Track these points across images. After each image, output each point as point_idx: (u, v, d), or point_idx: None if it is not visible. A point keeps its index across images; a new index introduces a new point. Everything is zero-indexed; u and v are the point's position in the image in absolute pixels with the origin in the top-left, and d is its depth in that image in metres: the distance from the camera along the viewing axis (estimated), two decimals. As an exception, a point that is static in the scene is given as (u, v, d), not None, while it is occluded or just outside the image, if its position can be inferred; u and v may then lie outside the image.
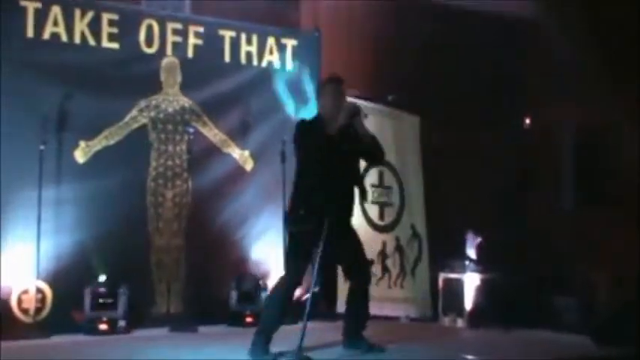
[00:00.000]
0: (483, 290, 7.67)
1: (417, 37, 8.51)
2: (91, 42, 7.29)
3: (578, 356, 6.15)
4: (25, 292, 6.76)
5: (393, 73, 8.61)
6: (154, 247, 7.51)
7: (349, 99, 5.73)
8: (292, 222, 5.70)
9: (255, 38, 8.05)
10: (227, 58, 7.92)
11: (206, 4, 7.96)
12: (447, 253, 7.97)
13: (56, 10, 7.13)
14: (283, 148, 7.49)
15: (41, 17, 7.06)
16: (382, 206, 8.41)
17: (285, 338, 5.59)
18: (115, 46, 7.39)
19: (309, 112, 7.29)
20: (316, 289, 7.92)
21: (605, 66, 7.25)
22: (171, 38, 7.67)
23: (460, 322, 7.67)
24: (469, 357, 5.89)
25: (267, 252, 7.89)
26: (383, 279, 8.23)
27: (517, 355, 6.19)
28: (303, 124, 5.78)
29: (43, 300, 6.80)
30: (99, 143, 7.27)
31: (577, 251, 7.31)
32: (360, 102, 8.30)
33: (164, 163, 7.59)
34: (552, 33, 7.67)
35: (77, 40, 7.23)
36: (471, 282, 7.67)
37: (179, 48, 7.69)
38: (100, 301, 6.92)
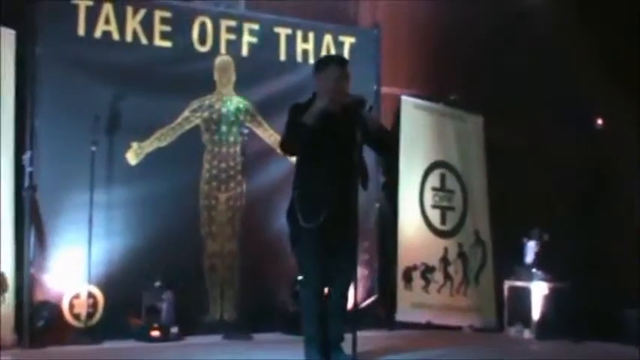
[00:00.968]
0: (551, 300, 7.37)
1: (481, 34, 8.22)
2: (143, 40, 7.15)
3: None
4: (77, 296, 6.65)
5: (456, 71, 8.36)
6: (207, 251, 7.33)
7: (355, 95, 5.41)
8: (303, 208, 5.37)
9: (311, 36, 7.84)
10: (282, 56, 7.72)
11: (261, 1, 7.77)
12: (513, 260, 7.67)
13: (108, 8, 7.00)
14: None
15: (93, 15, 6.94)
16: (444, 210, 8.18)
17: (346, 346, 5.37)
18: (167, 44, 7.24)
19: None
20: (374, 297, 7.83)
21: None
22: (225, 36, 7.49)
23: (527, 333, 7.38)
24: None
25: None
26: (445, 286, 8.01)
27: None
28: (297, 107, 5.48)
29: (94, 305, 6.68)
30: (151, 145, 7.13)
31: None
32: (421, 101, 8.15)
33: (217, 165, 7.41)
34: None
35: (129, 38, 7.09)
36: (538, 291, 7.36)
37: (233, 46, 7.52)
38: (153, 307, 6.77)
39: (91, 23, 6.93)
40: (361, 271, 7.35)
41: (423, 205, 8.03)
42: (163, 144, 7.17)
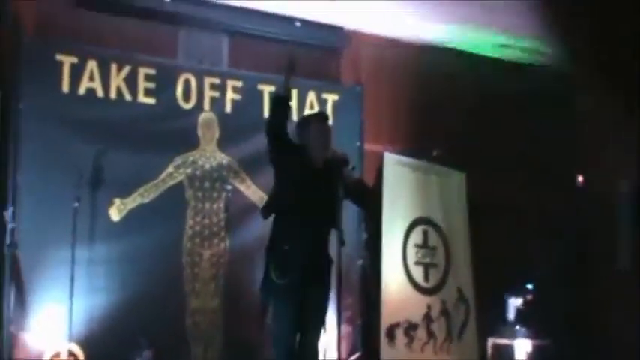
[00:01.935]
0: (535, 357, 7.33)
1: (463, 91, 8.31)
2: (127, 97, 7.16)
3: None
4: (58, 355, 6.53)
5: (438, 128, 8.43)
6: (190, 308, 7.25)
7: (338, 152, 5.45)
8: (277, 263, 5.33)
9: (295, 93, 7.86)
10: (266, 113, 7.71)
11: (244, 56, 7.82)
12: (496, 318, 7.64)
13: (92, 65, 7.01)
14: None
15: (77, 72, 6.96)
16: (427, 267, 8.13)
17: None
18: (151, 101, 7.25)
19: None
20: (358, 354, 7.76)
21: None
22: (208, 93, 7.51)
23: (510, 391, 7.32)
24: None
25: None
26: (428, 344, 7.92)
27: None
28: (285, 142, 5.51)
29: (74, 363, 6.57)
30: (134, 201, 7.09)
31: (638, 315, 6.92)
32: (404, 158, 8.18)
33: (201, 222, 7.37)
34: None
35: (113, 95, 7.10)
36: (521, 348, 7.33)
37: (217, 103, 7.54)
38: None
39: (75, 79, 6.93)
40: (345, 328, 7.29)
41: (406, 262, 7.99)
42: (146, 200, 7.13)
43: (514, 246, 7.97)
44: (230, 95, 7.61)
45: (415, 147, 8.38)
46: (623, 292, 7.08)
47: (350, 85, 8.31)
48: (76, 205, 6.57)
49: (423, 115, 8.44)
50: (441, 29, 8.24)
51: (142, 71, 7.22)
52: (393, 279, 7.87)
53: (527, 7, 7.29)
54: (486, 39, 8.33)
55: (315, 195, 5.34)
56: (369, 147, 8.19)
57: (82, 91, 6.97)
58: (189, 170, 7.37)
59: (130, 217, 7.05)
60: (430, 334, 7.94)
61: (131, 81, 7.17)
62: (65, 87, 6.91)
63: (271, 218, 5.54)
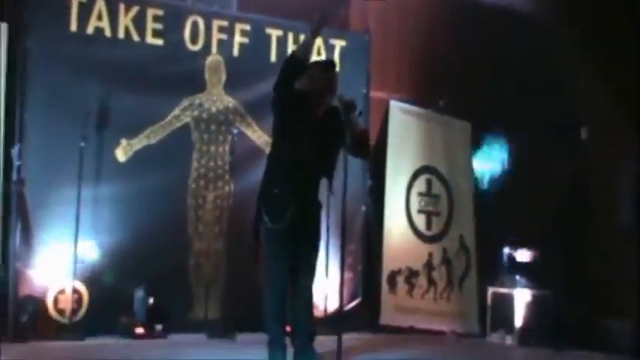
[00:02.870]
0: (534, 307, 7.38)
1: (470, 39, 8.24)
2: (135, 38, 7.14)
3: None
4: (62, 292, 6.62)
5: (445, 77, 8.37)
6: (193, 250, 7.32)
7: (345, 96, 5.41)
8: (268, 207, 5.36)
9: (302, 38, 7.80)
10: (273, 57, 7.71)
11: (253, 1, 7.76)
12: (497, 267, 7.69)
13: (100, 5, 6.99)
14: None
15: (85, 11, 6.93)
16: (429, 215, 8.20)
17: (325, 350, 5.38)
18: (159, 42, 7.24)
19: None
20: (358, 300, 7.84)
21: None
22: (216, 36, 7.49)
23: (509, 340, 7.38)
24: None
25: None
26: (429, 292, 8.02)
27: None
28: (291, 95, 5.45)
29: (79, 301, 6.66)
30: (140, 142, 7.12)
31: (636, 269, 6.94)
32: (409, 106, 8.18)
33: (206, 164, 7.40)
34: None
35: (121, 35, 7.08)
36: (521, 298, 7.37)
37: (224, 46, 7.52)
38: (138, 304, 6.76)
39: (83, 19, 6.91)
40: (346, 274, 7.35)
41: (409, 210, 8.05)
42: (152, 141, 7.16)
43: (517, 196, 7.98)
44: (238, 39, 7.58)
45: (421, 95, 8.36)
46: (625, 247, 7.09)
47: (357, 32, 8.26)
48: (83, 144, 6.60)
49: (430, 63, 8.40)
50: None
51: (151, 12, 7.19)
52: (396, 226, 7.93)
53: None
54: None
55: (311, 142, 5.34)
56: (374, 94, 8.17)
57: (90, 30, 6.96)
58: (195, 112, 7.38)
59: (136, 157, 7.08)
60: (431, 281, 8.03)
61: (139, 22, 7.14)
62: (73, 26, 6.89)
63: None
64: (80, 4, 6.91)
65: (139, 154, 7.10)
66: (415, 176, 8.12)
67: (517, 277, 7.48)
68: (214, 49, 7.49)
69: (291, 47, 7.74)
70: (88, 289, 6.69)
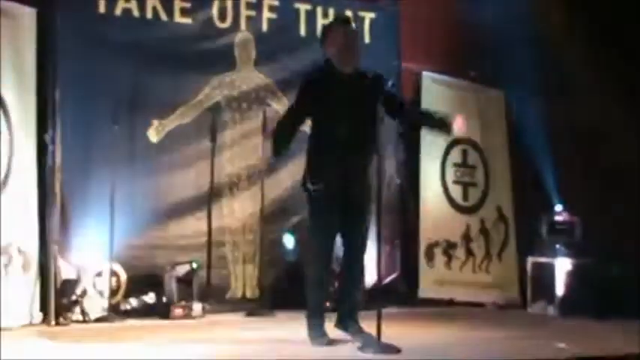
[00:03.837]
0: (575, 276, 7.28)
1: (501, 9, 8.10)
2: (163, 17, 7.11)
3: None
4: (100, 274, 6.63)
5: (476, 47, 8.23)
6: (229, 228, 7.31)
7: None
8: (311, 170, 5.26)
9: (331, 11, 7.78)
10: (302, 32, 7.66)
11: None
12: (536, 237, 7.60)
13: (128, -15, 6.97)
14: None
15: (113, -8, 6.92)
16: (466, 186, 8.15)
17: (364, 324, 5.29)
18: (187, 21, 7.20)
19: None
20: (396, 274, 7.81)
21: None
22: (245, 12, 7.44)
23: (550, 310, 7.31)
24: (563, 345, 5.48)
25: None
26: (467, 263, 7.97)
27: (613, 345, 5.78)
28: (308, 85, 5.38)
29: (117, 282, 6.67)
30: (172, 122, 7.10)
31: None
32: (441, 77, 8.08)
33: (239, 142, 7.37)
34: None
35: (149, 15, 7.05)
36: (562, 267, 7.29)
37: (253, 22, 7.47)
38: (176, 284, 6.74)
39: (111, 0, 6.88)
40: (383, 247, 7.29)
41: (444, 181, 7.99)
42: (185, 121, 7.15)
43: (557, 165, 7.87)
44: (266, 14, 7.53)
45: (452, 66, 8.26)
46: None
47: (387, 4, 8.17)
48: (116, 126, 6.58)
49: (461, 34, 8.28)
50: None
51: (178, -9, 7.16)
52: (432, 198, 7.89)
53: None
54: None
55: (348, 106, 5.20)
56: (406, 65, 8.08)
57: (118, 11, 6.93)
58: (226, 91, 7.36)
59: (169, 137, 7.08)
60: (469, 253, 7.99)
61: (167, 1, 7.10)
62: (102, 7, 6.87)
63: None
64: (107, -14, 6.89)
65: (171, 134, 7.09)
66: (450, 147, 8.06)
67: (557, 246, 7.38)
68: (243, 25, 7.44)
69: (320, 21, 7.68)
70: (126, 271, 6.71)
